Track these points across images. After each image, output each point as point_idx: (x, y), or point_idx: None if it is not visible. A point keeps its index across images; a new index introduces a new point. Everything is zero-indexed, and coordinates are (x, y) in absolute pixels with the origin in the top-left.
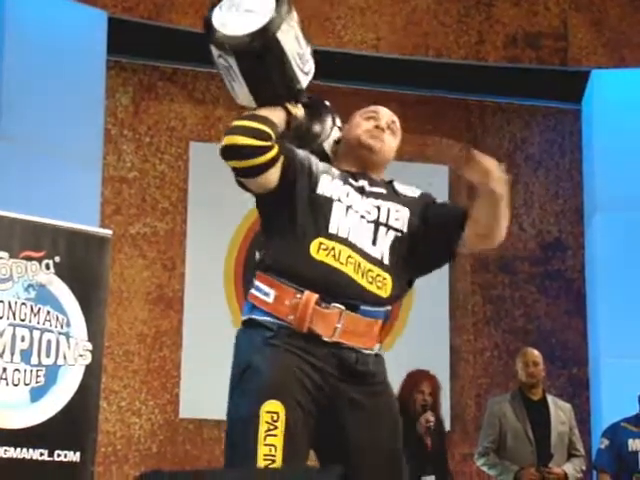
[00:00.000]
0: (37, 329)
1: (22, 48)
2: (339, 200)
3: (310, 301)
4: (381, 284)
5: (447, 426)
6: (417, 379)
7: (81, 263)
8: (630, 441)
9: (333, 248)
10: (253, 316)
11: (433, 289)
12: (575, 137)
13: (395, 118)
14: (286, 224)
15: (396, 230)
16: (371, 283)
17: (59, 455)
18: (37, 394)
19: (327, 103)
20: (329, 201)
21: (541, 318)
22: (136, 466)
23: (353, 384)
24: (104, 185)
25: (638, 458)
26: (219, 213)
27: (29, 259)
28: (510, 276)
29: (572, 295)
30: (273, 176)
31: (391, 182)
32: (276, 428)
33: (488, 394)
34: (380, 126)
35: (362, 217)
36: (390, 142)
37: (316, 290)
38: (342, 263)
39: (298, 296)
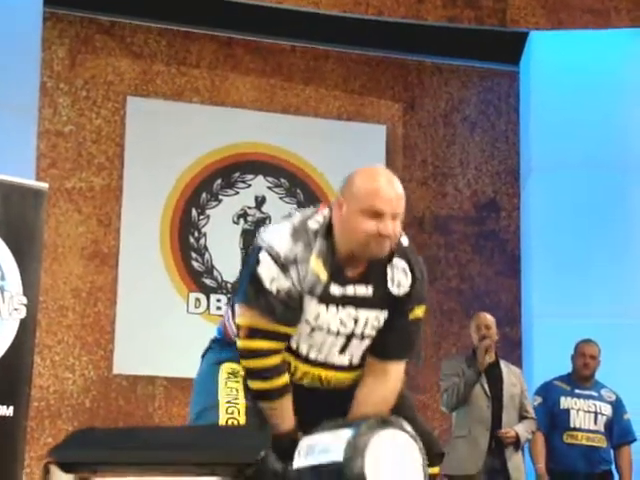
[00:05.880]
0: None
1: None
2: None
3: None
4: None
5: None
6: None
7: (16, 217)
8: (562, 399)
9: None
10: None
11: None
12: (512, 99)
13: (399, 203)
14: None
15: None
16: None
17: None
18: None
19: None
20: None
21: (475, 278)
22: (69, 421)
23: None
24: (39, 138)
25: (570, 416)
26: (156, 169)
27: None
28: (445, 236)
29: (506, 255)
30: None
31: (390, 260)
32: (236, 377)
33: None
34: (383, 233)
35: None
36: (395, 232)
37: None
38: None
39: None
